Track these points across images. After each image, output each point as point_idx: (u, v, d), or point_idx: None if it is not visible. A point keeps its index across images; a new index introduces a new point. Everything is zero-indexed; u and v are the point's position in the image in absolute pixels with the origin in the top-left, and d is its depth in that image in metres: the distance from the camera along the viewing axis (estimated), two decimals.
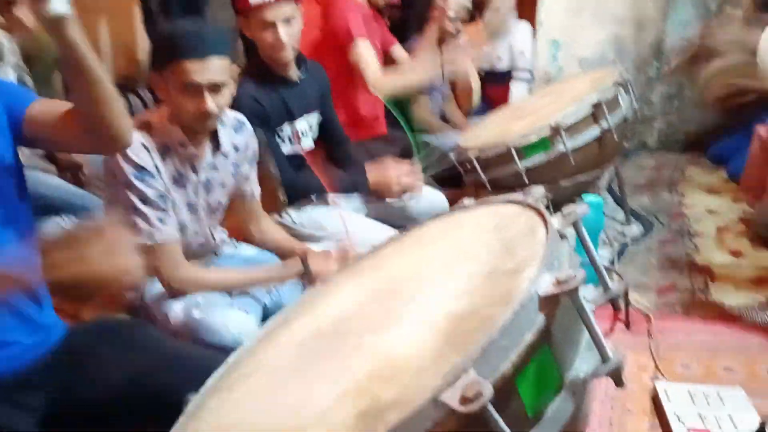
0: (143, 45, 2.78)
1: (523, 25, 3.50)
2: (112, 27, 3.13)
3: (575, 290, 0.78)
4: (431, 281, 1.00)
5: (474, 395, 0.64)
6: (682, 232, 2.53)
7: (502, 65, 3.54)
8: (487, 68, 3.56)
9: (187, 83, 1.49)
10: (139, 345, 1.26)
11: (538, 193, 1.09)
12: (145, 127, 1.55)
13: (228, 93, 1.58)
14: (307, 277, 1.64)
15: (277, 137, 2.08)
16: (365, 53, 2.46)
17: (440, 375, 0.69)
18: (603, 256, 2.32)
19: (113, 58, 2.95)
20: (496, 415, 0.66)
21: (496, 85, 3.60)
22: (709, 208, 2.75)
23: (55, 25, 1.01)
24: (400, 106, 3.08)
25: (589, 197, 2.36)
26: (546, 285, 0.79)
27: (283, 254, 1.85)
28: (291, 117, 2.10)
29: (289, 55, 2.02)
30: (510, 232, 1.01)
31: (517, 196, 1.11)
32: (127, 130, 1.19)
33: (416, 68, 2.54)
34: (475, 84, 3.02)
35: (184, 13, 2.76)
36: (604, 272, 0.95)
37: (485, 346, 0.70)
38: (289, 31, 1.97)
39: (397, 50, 2.88)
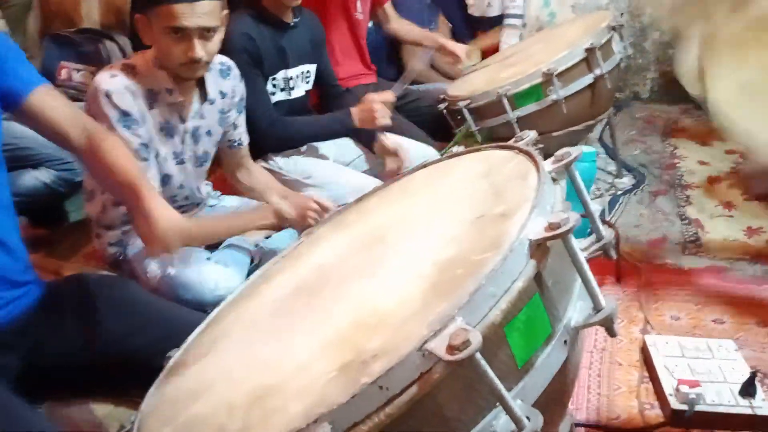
0: None
1: None
2: None
3: (568, 234, 0.74)
4: (417, 228, 0.96)
5: (461, 344, 0.61)
6: (673, 184, 2.50)
7: (493, 11, 3.44)
8: (477, 15, 3.47)
9: (175, 28, 1.40)
10: (117, 302, 1.22)
11: (529, 136, 1.05)
12: (131, 71, 1.47)
13: (218, 39, 1.50)
14: (284, 224, 1.58)
15: (270, 84, 2.01)
16: None
17: (426, 323, 0.66)
18: (594, 208, 2.29)
19: (90, 2, 2.82)
20: (485, 365, 0.63)
21: (487, 32, 3.52)
22: (701, 159, 2.72)
23: None
24: (391, 54, 3.00)
25: (582, 147, 2.31)
26: (537, 230, 0.75)
27: (270, 197, 1.81)
28: (286, 65, 2.04)
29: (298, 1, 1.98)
30: (500, 176, 0.97)
31: (508, 141, 1.07)
32: None
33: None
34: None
35: None
36: (598, 220, 0.91)
37: (473, 293, 0.66)
38: None
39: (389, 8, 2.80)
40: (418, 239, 0.91)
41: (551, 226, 0.74)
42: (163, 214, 1.15)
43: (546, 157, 0.98)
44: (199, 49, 1.44)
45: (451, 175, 1.11)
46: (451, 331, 0.62)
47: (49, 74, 2.48)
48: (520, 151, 1.00)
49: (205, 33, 1.44)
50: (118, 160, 1.19)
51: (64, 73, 2.52)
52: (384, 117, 2.00)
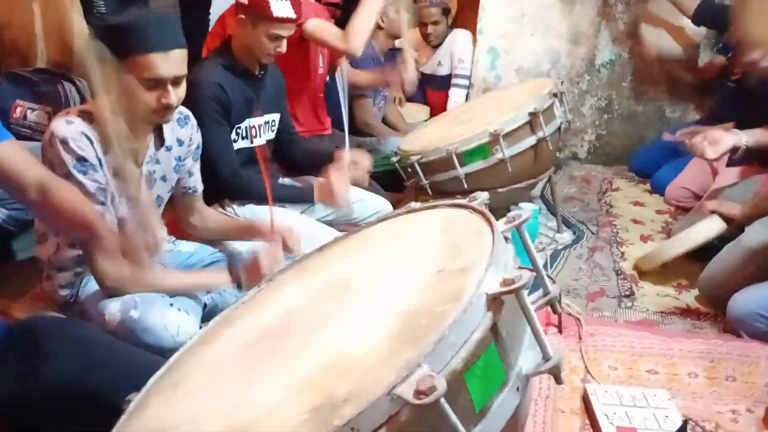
0: (78, 29, 2.68)
1: (464, 33, 3.60)
2: (44, 10, 3.00)
3: (520, 290, 0.81)
4: (381, 279, 1.02)
5: (428, 389, 0.66)
6: (610, 241, 2.65)
7: (443, 71, 3.63)
8: (428, 72, 3.64)
9: (150, 78, 1.45)
10: (74, 341, 1.22)
11: (482, 197, 1.13)
12: (87, 117, 1.50)
13: (185, 85, 1.55)
14: (239, 282, 1.62)
15: (234, 132, 2.07)
16: (319, 24, 2.47)
17: (394, 369, 0.71)
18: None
19: (45, 42, 2.82)
20: (448, 408, 0.68)
21: (436, 90, 3.69)
22: (634, 218, 2.89)
23: None
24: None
25: (526, 205, 2.44)
26: (493, 285, 0.82)
27: (228, 235, 1.89)
28: (252, 113, 2.11)
29: (272, 58, 2.08)
30: (457, 233, 1.05)
31: (462, 200, 1.15)
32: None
33: (365, 5, 2.53)
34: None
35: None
36: (545, 275, 1.00)
37: (437, 342, 0.72)
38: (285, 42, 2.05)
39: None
40: (382, 289, 0.97)
41: (506, 282, 0.82)
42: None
43: (491, 209, 1.06)
44: (173, 96, 1.49)
45: (410, 229, 1.18)
46: (418, 377, 0.68)
47: (3, 112, 2.46)
48: (475, 210, 1.08)
49: (177, 80, 1.50)
50: (74, 204, 1.22)
51: (18, 112, 2.50)
52: (343, 197, 2.07)
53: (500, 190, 2.38)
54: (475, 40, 3.59)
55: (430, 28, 3.52)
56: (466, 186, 2.34)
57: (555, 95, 2.44)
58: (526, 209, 2.35)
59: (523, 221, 0.98)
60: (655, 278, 2.34)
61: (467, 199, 1.14)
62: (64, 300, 1.64)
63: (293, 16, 2.02)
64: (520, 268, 0.93)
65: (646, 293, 2.26)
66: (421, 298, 0.87)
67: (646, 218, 2.90)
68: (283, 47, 2.06)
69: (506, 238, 0.98)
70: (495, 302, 0.82)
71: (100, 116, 1.51)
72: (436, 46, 3.61)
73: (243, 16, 2.02)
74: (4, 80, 2.55)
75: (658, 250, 2.32)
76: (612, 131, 3.66)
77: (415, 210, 1.24)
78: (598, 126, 3.67)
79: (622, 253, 2.55)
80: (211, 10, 3.23)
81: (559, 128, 2.47)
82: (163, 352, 1.36)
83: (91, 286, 1.60)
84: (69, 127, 1.47)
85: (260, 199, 2.09)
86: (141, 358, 1.26)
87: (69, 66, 2.72)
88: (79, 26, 2.70)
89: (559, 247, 2.59)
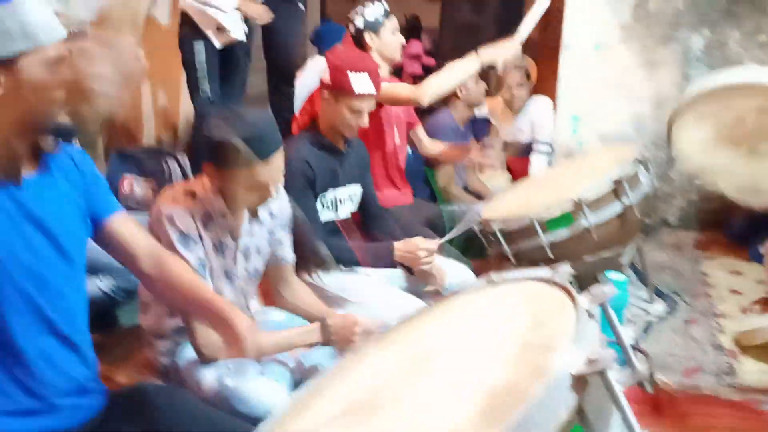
0: (186, 111, 2.92)
1: (544, 99, 3.63)
2: (153, 92, 3.30)
3: (605, 370, 0.80)
4: (464, 352, 1.03)
5: None
6: (706, 312, 2.53)
7: (523, 137, 3.65)
8: (509, 140, 3.67)
9: (251, 184, 1.58)
10: (176, 411, 1.28)
11: (565, 271, 1.13)
12: (191, 195, 1.63)
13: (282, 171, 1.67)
14: (329, 342, 1.67)
15: (319, 202, 2.18)
16: (389, 84, 2.56)
17: None
18: (627, 334, 2.32)
19: (153, 122, 3.09)
20: None
21: (517, 157, 3.71)
22: (732, 287, 2.75)
23: None
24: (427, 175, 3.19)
25: (613, 275, 2.37)
26: (577, 364, 0.82)
27: (313, 318, 1.89)
28: (335, 184, 2.22)
29: (355, 131, 2.20)
30: (540, 308, 1.05)
31: (545, 273, 1.15)
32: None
33: (454, 68, 2.58)
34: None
35: (223, 81, 2.93)
36: (632, 353, 0.98)
37: (521, 422, 0.73)
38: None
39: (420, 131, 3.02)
40: (466, 363, 0.98)
41: (590, 362, 0.81)
42: (246, 322, 1.27)
43: (578, 278, 1.06)
44: (273, 192, 1.63)
45: (492, 302, 1.19)
46: None
47: (112, 186, 2.69)
48: (558, 285, 1.08)
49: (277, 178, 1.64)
50: (188, 279, 1.32)
51: (126, 186, 2.74)
52: (426, 262, 2.12)
53: (586, 258, 2.33)
54: (555, 106, 3.61)
55: (514, 91, 3.57)
56: (550, 255, 2.31)
57: (640, 162, 2.41)
58: (611, 281, 2.29)
59: (606, 297, 0.97)
60: (758, 354, 2.19)
61: (550, 272, 1.14)
62: (164, 367, 1.73)
63: (373, 91, 2.14)
64: (607, 343, 0.92)
65: (748, 370, 2.12)
66: (504, 375, 0.88)
67: (744, 288, 2.75)
68: (365, 121, 2.17)
69: (590, 314, 0.98)
70: (579, 382, 0.81)
71: (201, 195, 1.63)
72: (517, 111, 3.65)
73: (327, 94, 2.15)
74: (114, 157, 2.80)
75: (761, 326, 2.19)
76: (704, 196, 3.53)
77: (496, 282, 1.25)
78: (688, 191, 3.56)
79: (720, 326, 2.42)
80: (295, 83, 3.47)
81: (646, 195, 2.42)
82: (254, 421, 1.41)
83: (188, 353, 1.68)
84: (174, 204, 1.60)
85: (345, 264, 2.17)
86: (238, 426, 1.31)
87: (173, 144, 2.96)
88: (185, 108, 2.96)
89: (652, 319, 2.49)
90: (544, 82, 3.84)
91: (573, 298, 1.00)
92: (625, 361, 0.98)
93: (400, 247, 2.18)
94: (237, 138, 1.52)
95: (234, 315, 1.28)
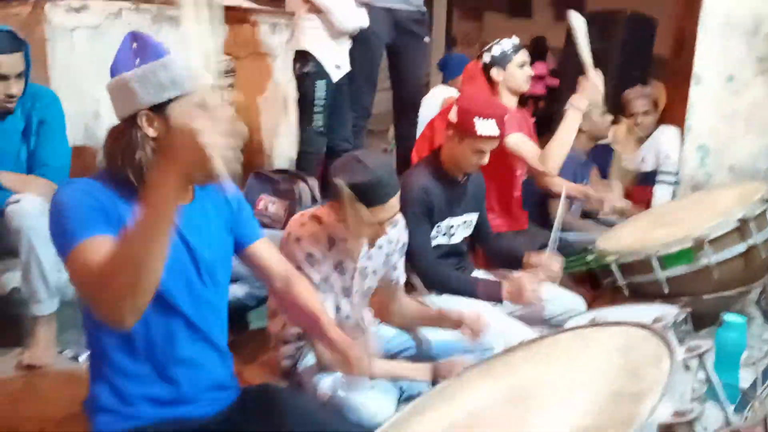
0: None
1: (671, 129, 3.51)
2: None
3: (691, 423, 0.85)
4: (560, 392, 1.10)
5: None
6: None
7: (646, 166, 3.56)
8: (631, 169, 3.60)
9: (371, 222, 1.73)
10: (299, 412, 1.43)
11: (668, 319, 1.17)
12: (317, 221, 1.82)
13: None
14: (436, 382, 1.76)
15: (435, 230, 2.30)
16: (519, 141, 2.66)
17: None
18: (744, 377, 2.23)
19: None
20: None
21: (639, 186, 3.62)
22: None
23: None
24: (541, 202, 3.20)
25: (732, 317, 2.28)
26: (664, 415, 0.87)
27: (420, 322, 2.04)
28: (453, 213, 2.33)
29: (477, 169, 2.32)
30: (637, 356, 1.09)
31: (648, 318, 1.19)
32: None
33: (564, 130, 2.64)
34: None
35: (331, 119, 3.20)
36: (726, 405, 1.00)
37: None
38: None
39: None
40: (559, 403, 1.06)
41: (678, 414, 0.86)
42: (358, 351, 1.44)
43: (695, 317, 1.08)
44: (388, 227, 1.79)
45: (592, 344, 1.25)
46: None
47: (249, 204, 2.99)
48: (657, 334, 1.12)
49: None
50: (307, 299, 1.51)
51: (261, 204, 3.03)
52: (534, 297, 2.15)
53: (706, 296, 2.28)
54: (682, 135, 3.49)
55: (640, 119, 3.51)
56: (666, 290, 2.29)
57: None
58: (729, 322, 2.22)
59: (703, 352, 1.00)
60: None
61: (653, 320, 1.18)
62: (286, 369, 1.92)
63: (496, 134, 2.21)
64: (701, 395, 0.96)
65: None
66: (593, 419, 0.94)
67: None
68: (486, 160, 2.25)
69: (686, 366, 1.01)
70: None
71: (326, 221, 1.81)
72: (643, 139, 3.57)
73: (452, 132, 2.25)
74: (252, 178, 3.11)
75: None
76: None
77: (599, 324, 1.31)
78: None
79: None
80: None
81: None
82: (362, 429, 1.56)
83: (308, 359, 1.86)
84: (302, 228, 1.80)
85: (453, 292, 2.27)
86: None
87: (308, 169, 3.23)
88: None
89: None
90: (673, 112, 3.72)
91: (670, 349, 1.04)
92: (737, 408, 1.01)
93: (507, 285, 2.23)
94: (360, 185, 1.67)
95: (347, 347, 1.45)
